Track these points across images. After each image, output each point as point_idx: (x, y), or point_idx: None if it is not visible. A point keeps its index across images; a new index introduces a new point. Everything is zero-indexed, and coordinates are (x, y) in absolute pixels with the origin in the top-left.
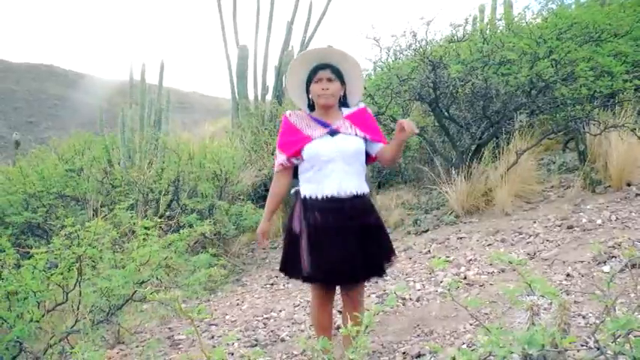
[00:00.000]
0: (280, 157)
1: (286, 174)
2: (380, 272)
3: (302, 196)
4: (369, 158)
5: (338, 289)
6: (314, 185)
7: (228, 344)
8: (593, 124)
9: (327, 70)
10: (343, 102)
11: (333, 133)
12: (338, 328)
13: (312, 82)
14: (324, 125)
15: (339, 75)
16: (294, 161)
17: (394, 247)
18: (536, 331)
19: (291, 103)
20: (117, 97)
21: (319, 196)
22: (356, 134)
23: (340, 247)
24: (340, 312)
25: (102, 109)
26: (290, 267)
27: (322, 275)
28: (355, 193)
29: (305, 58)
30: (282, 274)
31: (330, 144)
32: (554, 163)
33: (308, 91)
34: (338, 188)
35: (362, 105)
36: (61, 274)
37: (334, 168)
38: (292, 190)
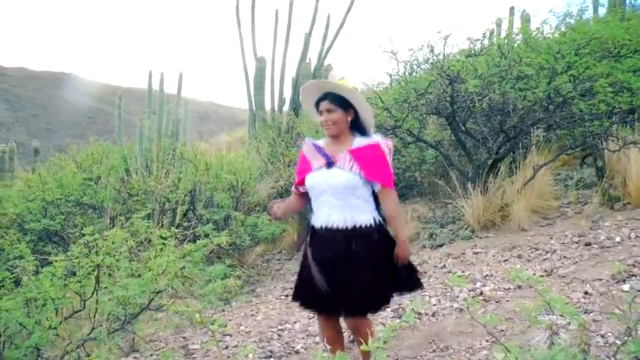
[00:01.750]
0: (294, 183)
1: (298, 198)
2: (366, 310)
3: (310, 225)
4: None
5: None
6: (314, 214)
7: (243, 355)
8: (612, 140)
9: (325, 100)
10: (358, 127)
11: (330, 165)
12: (352, 341)
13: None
14: (325, 157)
15: (341, 102)
16: (301, 189)
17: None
18: (558, 351)
19: (308, 116)
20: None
21: (316, 225)
22: (351, 169)
23: (326, 276)
24: None
25: (120, 117)
26: (301, 294)
27: (308, 303)
28: (341, 227)
29: (305, 90)
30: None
31: (324, 176)
32: (571, 178)
33: None
34: (327, 220)
35: (376, 139)
36: (79, 281)
37: (324, 200)
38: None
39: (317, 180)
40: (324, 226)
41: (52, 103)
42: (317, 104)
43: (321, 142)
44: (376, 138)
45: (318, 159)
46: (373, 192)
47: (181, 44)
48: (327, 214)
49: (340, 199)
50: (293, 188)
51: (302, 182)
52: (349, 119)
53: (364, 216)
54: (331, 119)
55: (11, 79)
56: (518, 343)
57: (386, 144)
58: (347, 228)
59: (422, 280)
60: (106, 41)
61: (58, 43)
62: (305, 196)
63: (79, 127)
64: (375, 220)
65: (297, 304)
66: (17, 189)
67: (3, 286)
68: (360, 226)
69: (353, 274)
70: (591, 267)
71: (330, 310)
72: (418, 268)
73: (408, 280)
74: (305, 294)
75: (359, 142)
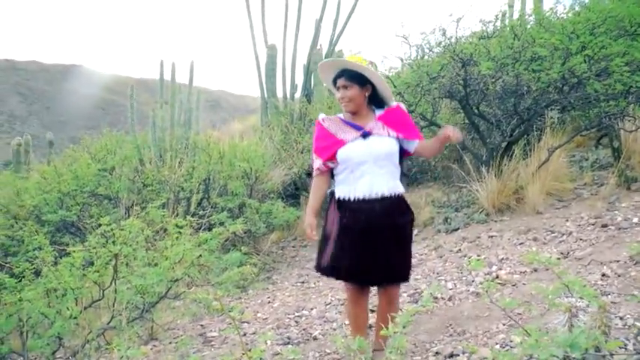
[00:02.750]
0: (317, 162)
1: (324, 177)
2: (405, 278)
3: (336, 198)
4: (405, 153)
5: (374, 288)
6: (347, 187)
7: (261, 342)
8: (628, 120)
9: (342, 77)
10: (375, 101)
11: (366, 135)
12: (370, 327)
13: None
14: (357, 128)
15: (357, 78)
16: (330, 165)
17: (425, 245)
18: (579, 333)
19: (321, 102)
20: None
21: (352, 198)
22: (389, 135)
23: (366, 248)
24: (373, 311)
25: (133, 107)
26: (325, 264)
27: (342, 273)
28: (386, 195)
29: (321, 69)
30: (316, 273)
31: (363, 147)
32: (586, 160)
33: None
34: (369, 190)
35: (394, 104)
36: (97, 271)
37: (366, 170)
38: (328, 191)
39: (356, 151)
40: (366, 197)
41: (65, 96)
42: (334, 81)
43: (342, 116)
44: (393, 103)
45: (348, 131)
46: (400, 159)
47: (192, 34)
48: (370, 184)
49: (382, 167)
50: (320, 167)
51: (331, 157)
52: (367, 94)
53: (398, 184)
54: (348, 96)
55: (24, 72)
56: (537, 326)
57: (402, 105)
58: (391, 195)
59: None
60: (116, 33)
61: (69, 36)
62: (329, 174)
63: (92, 118)
64: (402, 191)
65: (333, 277)
66: (34, 181)
67: (24, 277)
68: (397, 194)
69: (397, 242)
70: (608, 249)
71: (369, 282)
72: (433, 252)
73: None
74: (344, 265)
75: (380, 111)
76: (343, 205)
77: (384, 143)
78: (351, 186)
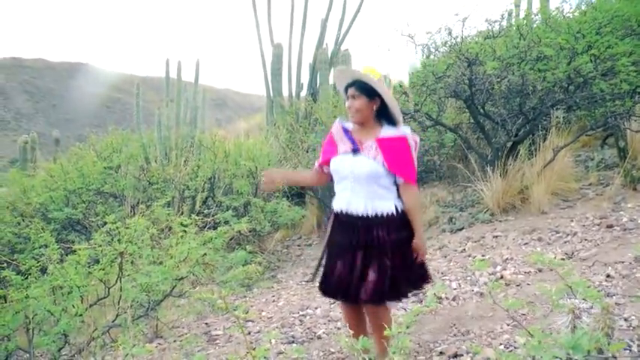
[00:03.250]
0: (317, 161)
1: (319, 174)
2: (396, 296)
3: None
4: None
5: None
6: (335, 198)
7: (266, 341)
8: (635, 120)
9: (352, 87)
10: (386, 116)
11: (355, 151)
12: None
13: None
14: (352, 142)
15: (367, 90)
16: (325, 169)
17: (429, 245)
18: (581, 335)
19: (326, 101)
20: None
21: (336, 209)
22: (375, 158)
23: (346, 264)
24: None
25: (139, 105)
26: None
27: (326, 288)
28: (362, 214)
29: (335, 76)
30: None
31: (349, 162)
32: (592, 159)
33: None
34: (347, 206)
35: (405, 132)
36: (103, 269)
37: (346, 186)
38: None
39: (341, 165)
40: (344, 211)
41: (71, 94)
42: (346, 90)
43: (349, 126)
44: (405, 130)
45: (344, 143)
46: (395, 181)
47: (198, 32)
48: (348, 200)
49: (362, 186)
50: (317, 165)
51: (326, 163)
52: (374, 107)
53: (386, 204)
54: (354, 106)
55: (31, 70)
56: (540, 327)
57: (413, 138)
58: (367, 216)
59: (431, 274)
60: (122, 31)
61: (76, 34)
62: (325, 176)
63: (98, 116)
64: (396, 208)
65: (320, 291)
66: (40, 179)
67: (30, 274)
68: (382, 214)
69: (372, 261)
70: (613, 249)
71: (346, 298)
72: (438, 252)
73: (420, 272)
74: (326, 281)
75: (387, 131)
76: (334, 216)
77: (367, 165)
78: (337, 197)
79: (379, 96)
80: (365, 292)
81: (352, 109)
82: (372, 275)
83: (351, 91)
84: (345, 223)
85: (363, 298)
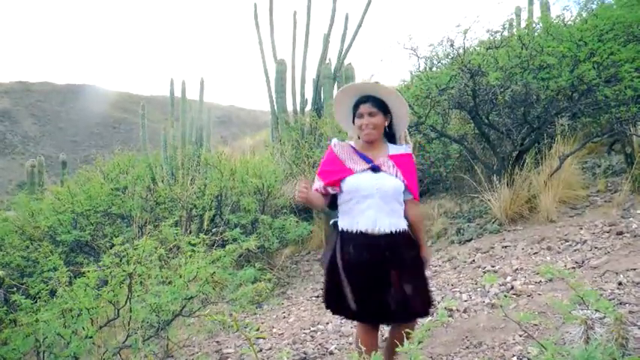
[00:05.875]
0: (317, 184)
1: (322, 196)
2: (423, 313)
3: (339, 229)
4: None
5: None
6: (350, 219)
7: (278, 359)
8: None
9: (367, 103)
10: (388, 133)
11: (375, 169)
12: (384, 341)
13: (355, 115)
14: (367, 160)
15: (382, 106)
16: (330, 190)
17: (439, 257)
18: (595, 348)
19: (330, 115)
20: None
21: (354, 230)
22: (396, 175)
23: (375, 286)
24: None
25: (144, 126)
26: (334, 303)
27: (368, 315)
28: (388, 231)
29: (346, 92)
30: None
31: (371, 180)
32: (599, 166)
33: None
34: (373, 225)
35: (409, 149)
36: (112, 291)
37: (371, 204)
38: (331, 222)
39: (364, 183)
40: (369, 230)
41: (77, 115)
42: (355, 106)
43: (353, 144)
44: (408, 148)
45: (356, 162)
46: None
47: (202, 50)
48: (374, 219)
49: (387, 203)
50: (320, 188)
51: (333, 183)
52: (386, 124)
53: (402, 221)
54: (373, 123)
55: (37, 94)
56: (553, 338)
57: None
58: (392, 232)
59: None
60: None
61: (80, 55)
62: (326, 198)
63: (104, 137)
64: (407, 226)
65: (338, 315)
66: (48, 202)
67: (39, 297)
68: (400, 231)
69: (409, 277)
70: (624, 257)
71: (388, 320)
72: (447, 264)
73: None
74: (342, 303)
75: (394, 149)
76: (347, 239)
77: (391, 182)
78: (355, 219)
79: (389, 112)
80: (413, 307)
81: (369, 127)
82: (408, 289)
83: (366, 107)
84: (364, 244)
85: (403, 315)
